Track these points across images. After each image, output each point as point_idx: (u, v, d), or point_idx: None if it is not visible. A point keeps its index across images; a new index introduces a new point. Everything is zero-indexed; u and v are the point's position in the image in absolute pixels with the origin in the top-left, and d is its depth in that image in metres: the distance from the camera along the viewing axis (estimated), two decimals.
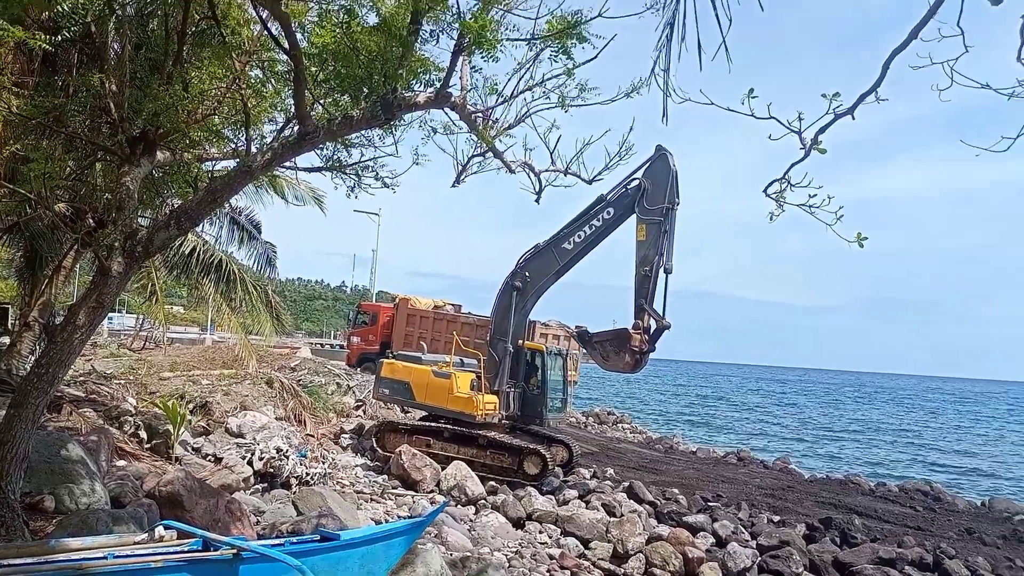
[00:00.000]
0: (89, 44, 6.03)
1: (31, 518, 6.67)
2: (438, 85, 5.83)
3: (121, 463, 9.99)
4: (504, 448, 15.80)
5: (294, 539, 6.66)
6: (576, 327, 15.56)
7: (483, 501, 14.11)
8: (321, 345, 49.99)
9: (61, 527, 6.46)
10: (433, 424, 16.27)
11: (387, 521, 11.29)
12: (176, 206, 6.79)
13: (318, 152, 6.92)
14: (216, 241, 15.17)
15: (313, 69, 5.76)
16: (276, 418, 15.57)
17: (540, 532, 13.06)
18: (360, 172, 7.13)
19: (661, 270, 14.20)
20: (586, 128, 6.88)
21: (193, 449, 12.59)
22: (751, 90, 3.61)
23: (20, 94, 5.99)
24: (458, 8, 5.50)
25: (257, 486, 11.82)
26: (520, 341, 16.66)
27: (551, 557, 11.79)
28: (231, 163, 7.18)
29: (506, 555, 11.35)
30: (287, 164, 7.16)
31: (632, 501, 15.23)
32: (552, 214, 14.96)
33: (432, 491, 14.26)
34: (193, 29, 5.96)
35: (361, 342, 29.70)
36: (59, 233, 9.29)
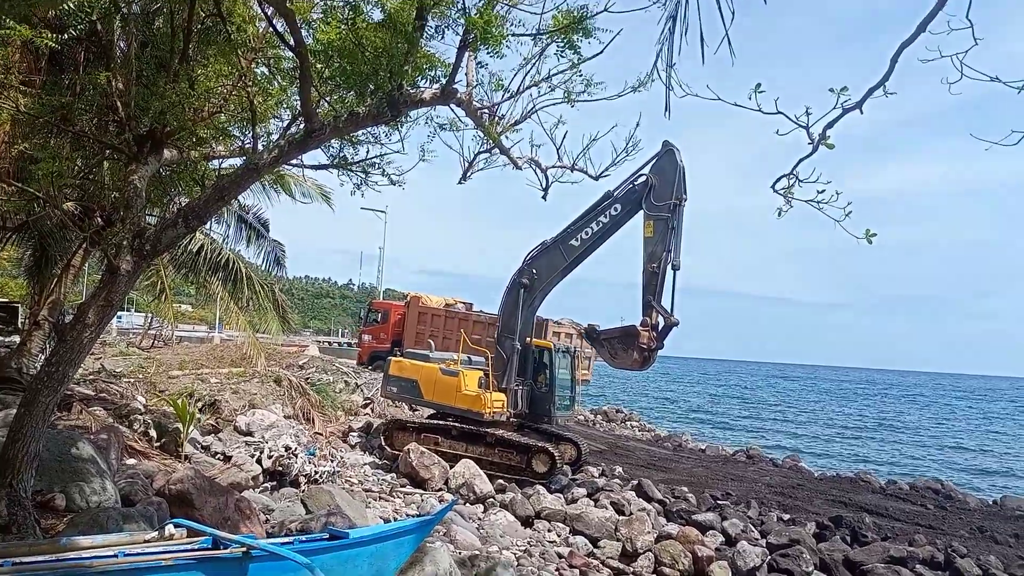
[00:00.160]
0: (95, 42, 6.05)
1: (42, 516, 6.70)
2: (444, 81, 5.81)
3: (131, 461, 10.03)
4: (512, 446, 15.79)
5: (303, 537, 6.66)
6: (589, 326, 15.51)
7: (491, 499, 14.10)
8: (329, 343, 50.12)
9: (72, 525, 6.49)
10: (441, 422, 16.28)
11: (396, 519, 11.30)
12: (184, 204, 6.79)
13: (324, 149, 6.91)
14: (224, 240, 15.22)
15: (319, 66, 5.75)
16: (285, 416, 15.61)
17: (549, 531, 13.04)
18: (367, 169, 7.12)
19: (669, 267, 14.14)
20: (593, 124, 6.85)
21: (202, 447, 12.63)
22: (758, 85, 3.59)
23: (27, 93, 6.01)
24: (463, 4, 5.48)
25: (266, 484, 11.84)
26: (528, 339, 16.64)
27: (560, 556, 11.76)
28: (238, 161, 7.18)
29: (515, 554, 11.33)
30: (294, 161, 7.16)
31: (641, 499, 15.19)
32: (559, 210, 14.93)
33: (440, 489, 14.26)
34: (199, 26, 5.95)
35: (372, 340, 29.78)
36: (68, 232, 9.33)
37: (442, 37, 5.77)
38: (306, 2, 5.68)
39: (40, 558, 4.80)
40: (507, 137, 6.64)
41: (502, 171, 7.10)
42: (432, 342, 22.45)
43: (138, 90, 5.85)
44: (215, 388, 16.13)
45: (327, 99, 6.11)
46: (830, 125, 3.67)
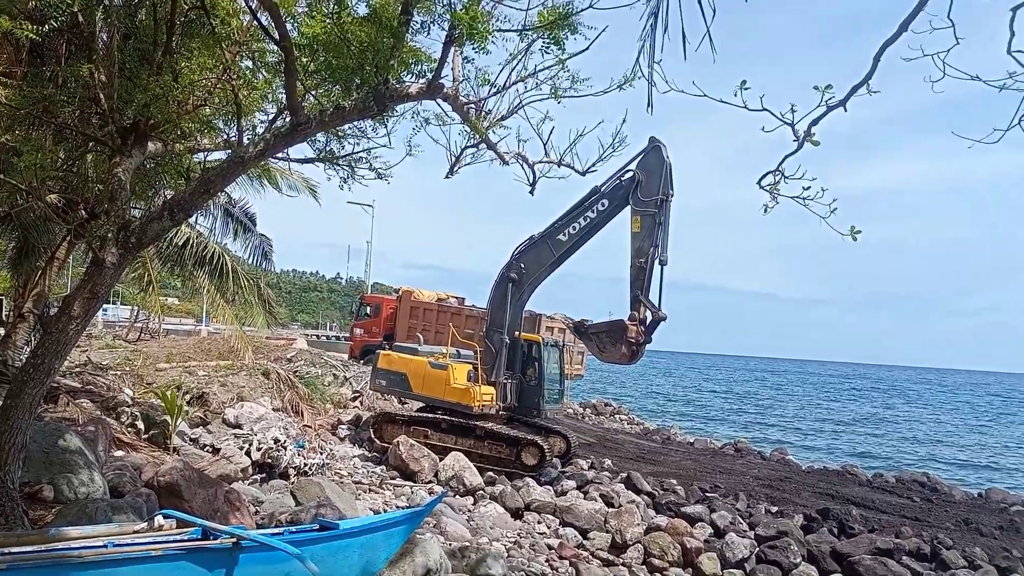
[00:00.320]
0: (77, 34, 6.00)
1: (30, 507, 6.69)
2: (430, 76, 5.80)
3: (119, 453, 10.01)
4: (502, 439, 15.84)
5: (293, 528, 6.69)
6: (582, 320, 15.56)
7: (481, 492, 14.16)
8: (317, 336, 50.04)
9: (61, 516, 6.49)
10: (431, 415, 16.30)
11: (385, 511, 11.33)
12: (169, 197, 6.77)
13: (311, 143, 6.89)
14: (211, 233, 15.15)
15: (304, 60, 5.73)
16: (273, 409, 15.60)
17: (539, 522, 13.11)
18: (353, 163, 7.10)
19: (656, 262, 14.19)
20: (579, 119, 6.86)
21: (191, 440, 12.62)
22: (744, 82, 3.61)
23: (8, 84, 5.96)
24: None
25: (255, 476, 11.85)
26: (516, 332, 16.67)
27: (550, 547, 11.83)
28: (223, 154, 7.15)
29: (505, 545, 11.39)
30: (280, 155, 7.15)
31: (630, 492, 15.28)
32: (547, 205, 14.94)
33: (430, 482, 14.31)
34: (182, 19, 5.91)
35: (364, 334, 29.75)
36: (51, 224, 9.27)
37: (428, 32, 5.76)
38: None
39: (29, 548, 4.81)
40: (494, 132, 6.63)
41: (489, 166, 7.10)
42: (421, 336, 22.45)
43: (121, 82, 5.81)
44: (203, 381, 16.09)
45: (313, 93, 6.08)
46: (815, 122, 3.69)
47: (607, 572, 11.43)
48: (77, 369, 14.28)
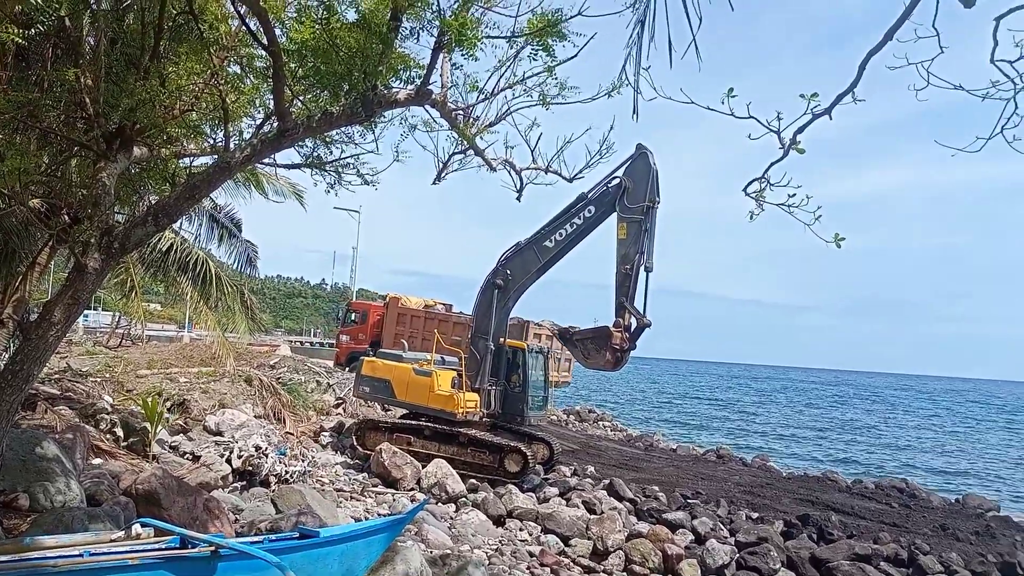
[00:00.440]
0: (63, 38, 5.96)
1: (5, 516, 6.61)
2: (418, 82, 5.83)
3: (97, 461, 9.89)
4: (485, 446, 15.82)
5: (273, 536, 6.63)
6: (570, 327, 15.58)
7: (464, 499, 14.12)
8: (301, 343, 49.73)
9: (36, 525, 6.40)
10: (414, 422, 16.25)
11: (367, 519, 11.27)
12: (154, 202, 6.72)
13: (298, 148, 6.89)
14: (195, 239, 15.03)
15: (292, 65, 5.73)
16: (255, 416, 15.47)
17: (520, 529, 13.09)
18: (340, 169, 7.10)
19: (642, 268, 14.27)
20: (567, 126, 6.91)
21: (171, 447, 12.49)
22: (730, 89, 3.64)
23: None
24: (438, 5, 5.50)
25: (236, 484, 11.74)
26: (501, 339, 16.68)
27: (531, 554, 11.82)
28: (209, 159, 7.12)
29: (486, 552, 11.36)
30: (267, 160, 7.12)
31: (612, 498, 15.30)
32: (534, 211, 15.01)
33: (412, 489, 14.25)
34: (170, 24, 5.90)
35: (351, 341, 29.63)
36: (34, 229, 9.17)
37: (417, 39, 5.79)
38: (280, 1, 5.66)
39: (3, 558, 4.73)
40: (482, 138, 6.67)
41: (477, 172, 7.13)
42: (405, 342, 22.38)
43: (107, 87, 5.78)
44: (184, 387, 15.94)
45: (300, 98, 6.09)
46: (800, 130, 3.73)
47: None
48: (56, 375, 14.10)
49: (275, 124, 5.89)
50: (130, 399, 13.93)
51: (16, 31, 4.96)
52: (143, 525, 5.53)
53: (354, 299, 42.29)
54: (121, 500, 7.89)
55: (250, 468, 12.13)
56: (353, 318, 30.52)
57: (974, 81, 3.23)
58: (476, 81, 6.34)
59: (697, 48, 3.40)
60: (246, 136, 6.69)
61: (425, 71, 5.74)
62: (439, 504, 13.70)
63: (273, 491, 11.39)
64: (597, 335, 14.61)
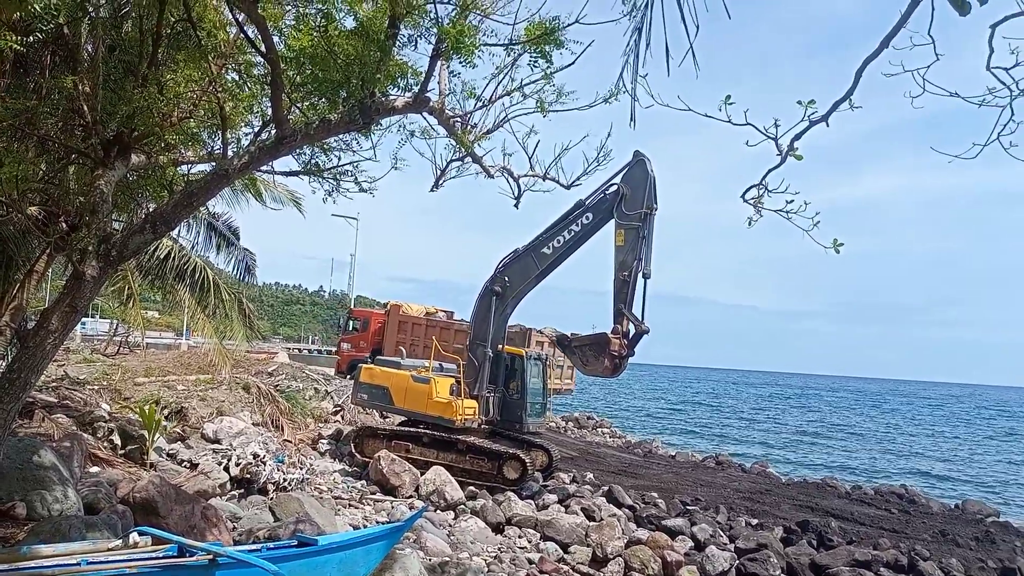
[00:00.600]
0: (62, 46, 5.97)
1: (2, 525, 6.57)
2: (416, 89, 5.84)
3: (94, 469, 9.86)
4: (484, 453, 15.79)
5: (271, 544, 6.63)
6: (572, 334, 15.58)
7: (462, 506, 14.09)
8: (299, 350, 49.62)
9: (33, 534, 6.37)
10: (412, 429, 16.22)
11: (365, 526, 11.24)
12: (151, 210, 6.72)
13: (296, 156, 6.89)
14: (193, 247, 15.03)
15: (290, 73, 5.74)
16: (253, 424, 15.45)
17: (519, 537, 13.05)
18: (338, 176, 7.10)
19: (640, 275, 14.28)
20: (565, 133, 6.90)
21: (168, 455, 12.46)
22: (728, 96, 3.65)
23: None
24: (436, 13, 5.51)
25: (234, 492, 11.71)
26: (500, 346, 16.67)
27: (530, 562, 11.78)
28: (207, 166, 7.12)
29: (485, 560, 11.33)
30: (264, 168, 7.12)
31: (611, 505, 15.28)
32: (532, 218, 15.02)
33: (411, 496, 14.21)
34: (168, 31, 5.90)
35: (352, 349, 29.58)
36: (31, 236, 9.16)
37: (415, 46, 5.80)
38: (278, 9, 5.67)
39: (1, 567, 4.72)
40: (479, 146, 6.67)
41: (475, 179, 7.13)
42: (403, 349, 22.35)
43: (105, 94, 5.78)
44: (182, 395, 15.91)
45: (298, 106, 6.09)
46: (798, 137, 3.74)
47: None
48: (53, 383, 14.07)
49: (273, 131, 5.89)
50: (128, 407, 13.90)
51: (14, 38, 4.97)
52: (141, 533, 5.53)
53: (352, 306, 42.25)
54: (119, 508, 7.87)
55: (248, 476, 12.10)
56: (354, 326, 30.50)
57: (970, 88, 3.24)
58: (474, 88, 6.37)
59: (694, 56, 3.41)
60: (244, 143, 6.69)
61: (423, 78, 5.75)
62: (438, 511, 13.67)
63: (271, 499, 11.36)
64: (595, 342, 14.60)
